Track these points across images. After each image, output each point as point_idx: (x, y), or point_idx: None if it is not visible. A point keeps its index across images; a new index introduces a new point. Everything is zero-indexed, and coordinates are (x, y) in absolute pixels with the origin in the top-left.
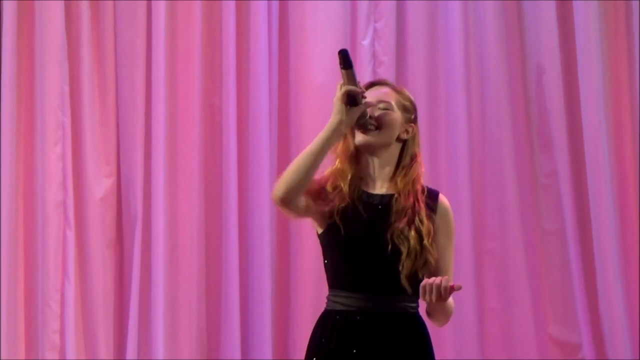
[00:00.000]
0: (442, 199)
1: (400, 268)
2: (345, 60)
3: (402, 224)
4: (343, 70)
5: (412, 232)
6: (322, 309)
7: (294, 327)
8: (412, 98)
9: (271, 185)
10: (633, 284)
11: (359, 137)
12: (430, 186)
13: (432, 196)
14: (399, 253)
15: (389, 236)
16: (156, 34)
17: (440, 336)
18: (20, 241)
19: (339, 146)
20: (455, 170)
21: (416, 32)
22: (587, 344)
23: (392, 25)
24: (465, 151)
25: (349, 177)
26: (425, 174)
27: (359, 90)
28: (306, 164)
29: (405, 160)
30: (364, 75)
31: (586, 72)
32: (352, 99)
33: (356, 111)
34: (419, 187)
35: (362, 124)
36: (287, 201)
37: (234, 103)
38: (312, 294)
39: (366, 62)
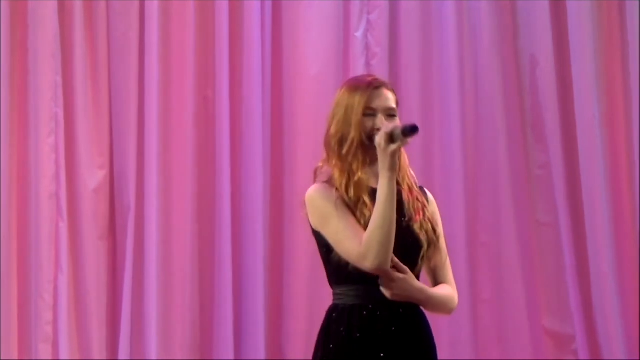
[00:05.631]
0: (428, 192)
1: (420, 260)
2: (414, 132)
3: (420, 216)
4: (403, 137)
5: (429, 224)
6: (316, 309)
7: (288, 327)
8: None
9: (265, 178)
10: (626, 276)
11: (394, 147)
12: (423, 178)
13: (422, 189)
14: (420, 244)
15: (414, 229)
16: (149, 26)
17: (434, 327)
18: (14, 233)
19: (354, 158)
20: (449, 163)
21: (410, 24)
22: (581, 335)
23: (386, 17)
24: (459, 143)
25: (367, 187)
26: (418, 167)
27: (407, 141)
28: (391, 229)
29: None
30: (357, 67)
31: (580, 64)
32: None
33: (400, 147)
34: (412, 177)
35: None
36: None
37: (227, 95)
38: (306, 292)
39: (359, 54)
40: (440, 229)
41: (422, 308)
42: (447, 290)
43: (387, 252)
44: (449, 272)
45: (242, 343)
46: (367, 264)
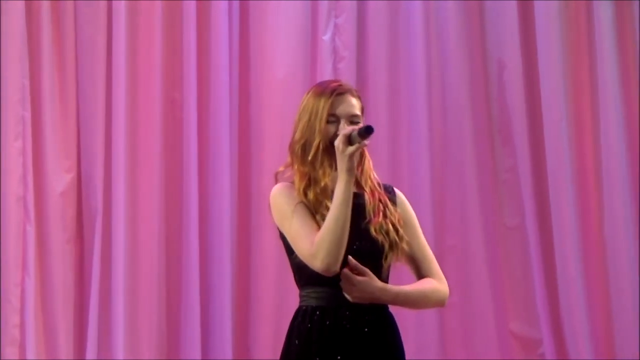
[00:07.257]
0: (397, 191)
1: (384, 261)
2: (369, 133)
3: (379, 218)
4: (360, 139)
5: (390, 226)
6: (283, 309)
7: (255, 326)
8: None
9: (232, 181)
10: (593, 279)
11: (352, 149)
12: (391, 181)
13: (389, 190)
14: (382, 247)
15: (371, 231)
16: (117, 29)
17: (401, 331)
18: None
19: (319, 165)
20: (416, 166)
21: (377, 28)
22: (547, 339)
23: (353, 20)
24: (426, 147)
25: (329, 193)
26: (386, 170)
27: (365, 143)
28: (343, 231)
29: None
30: (324, 71)
31: (547, 67)
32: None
33: (358, 149)
34: (374, 179)
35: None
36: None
37: (194, 98)
38: (273, 293)
39: (327, 58)
40: (412, 227)
41: (390, 309)
42: (428, 284)
43: (338, 253)
44: (431, 265)
45: (209, 343)
46: (317, 264)
